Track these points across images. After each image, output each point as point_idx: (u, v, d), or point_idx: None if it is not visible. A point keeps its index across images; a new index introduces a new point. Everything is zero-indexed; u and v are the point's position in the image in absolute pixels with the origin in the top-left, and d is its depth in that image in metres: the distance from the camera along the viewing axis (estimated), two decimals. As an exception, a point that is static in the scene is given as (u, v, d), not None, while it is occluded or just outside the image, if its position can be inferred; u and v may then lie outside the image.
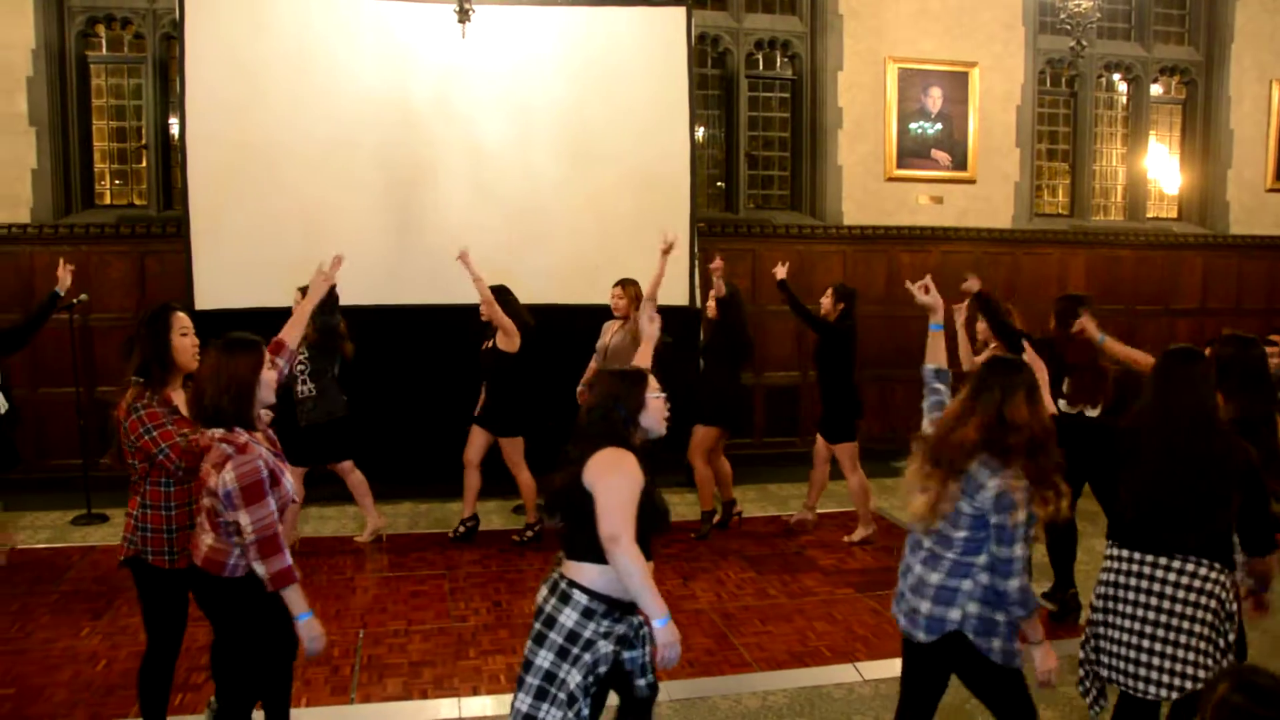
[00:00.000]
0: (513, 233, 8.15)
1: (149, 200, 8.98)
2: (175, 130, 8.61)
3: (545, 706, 3.01)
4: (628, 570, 2.96)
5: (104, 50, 8.94)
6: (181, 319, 3.86)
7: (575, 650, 3.02)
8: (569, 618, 3.03)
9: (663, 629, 3.03)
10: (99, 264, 8.57)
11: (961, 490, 3.20)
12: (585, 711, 3.03)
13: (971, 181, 10.19)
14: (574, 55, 8.35)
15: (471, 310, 7.03)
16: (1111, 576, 3.51)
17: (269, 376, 3.40)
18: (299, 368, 6.54)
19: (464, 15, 7.32)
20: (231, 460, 3.20)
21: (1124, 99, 11.07)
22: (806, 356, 9.61)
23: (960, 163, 10.16)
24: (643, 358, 3.93)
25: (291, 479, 3.43)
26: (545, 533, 6.89)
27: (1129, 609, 3.45)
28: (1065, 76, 10.73)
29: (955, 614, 3.20)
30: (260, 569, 3.22)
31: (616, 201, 8.37)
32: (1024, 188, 10.40)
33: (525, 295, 7.32)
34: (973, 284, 6.21)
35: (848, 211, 9.91)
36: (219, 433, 3.28)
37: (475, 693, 4.69)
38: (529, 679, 3.04)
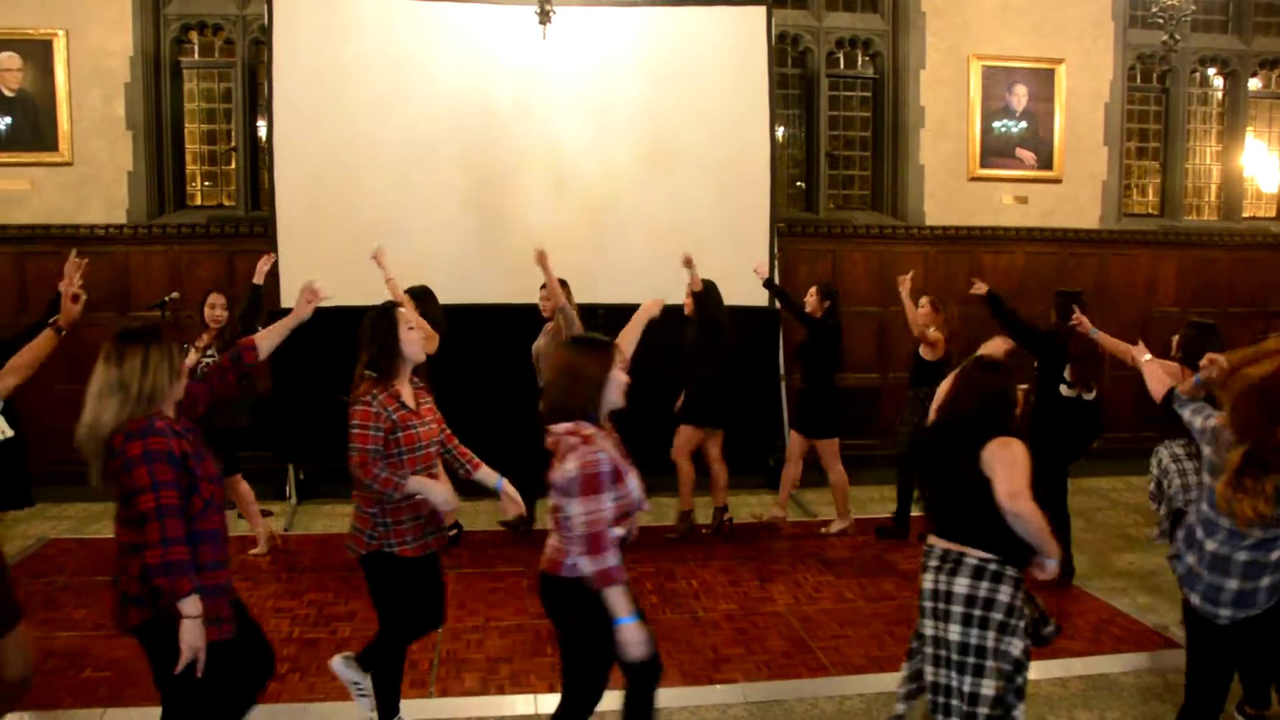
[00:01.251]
0: (592, 232, 8.18)
1: (238, 201, 9.23)
2: (263, 133, 8.83)
3: (987, 681, 3.30)
4: (1033, 520, 3.25)
5: (196, 56, 9.20)
6: (406, 315, 3.99)
7: (1013, 621, 3.33)
8: (1005, 594, 3.33)
9: (1055, 565, 3.39)
10: (190, 263, 8.83)
11: None
12: (1027, 675, 3.38)
13: (1057, 181, 9.97)
14: (654, 55, 8.36)
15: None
16: None
17: (620, 378, 3.36)
18: (204, 365, 6.30)
19: (545, 17, 7.38)
20: (576, 450, 3.20)
21: (1219, 94, 10.72)
22: (887, 358, 9.52)
23: (1045, 162, 9.95)
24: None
25: (637, 481, 3.34)
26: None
27: None
28: (1157, 72, 10.43)
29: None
30: (585, 565, 3.20)
31: (696, 201, 8.36)
32: (1112, 187, 10.14)
33: (604, 295, 7.33)
34: (980, 287, 6.77)
35: (930, 212, 9.78)
36: (566, 426, 3.28)
37: (552, 690, 4.70)
38: (987, 662, 3.31)
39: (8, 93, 8.61)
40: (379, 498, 3.81)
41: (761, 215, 8.46)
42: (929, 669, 3.46)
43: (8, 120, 8.63)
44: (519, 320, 7.52)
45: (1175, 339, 5.34)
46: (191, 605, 2.99)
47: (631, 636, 3.23)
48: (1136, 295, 10.09)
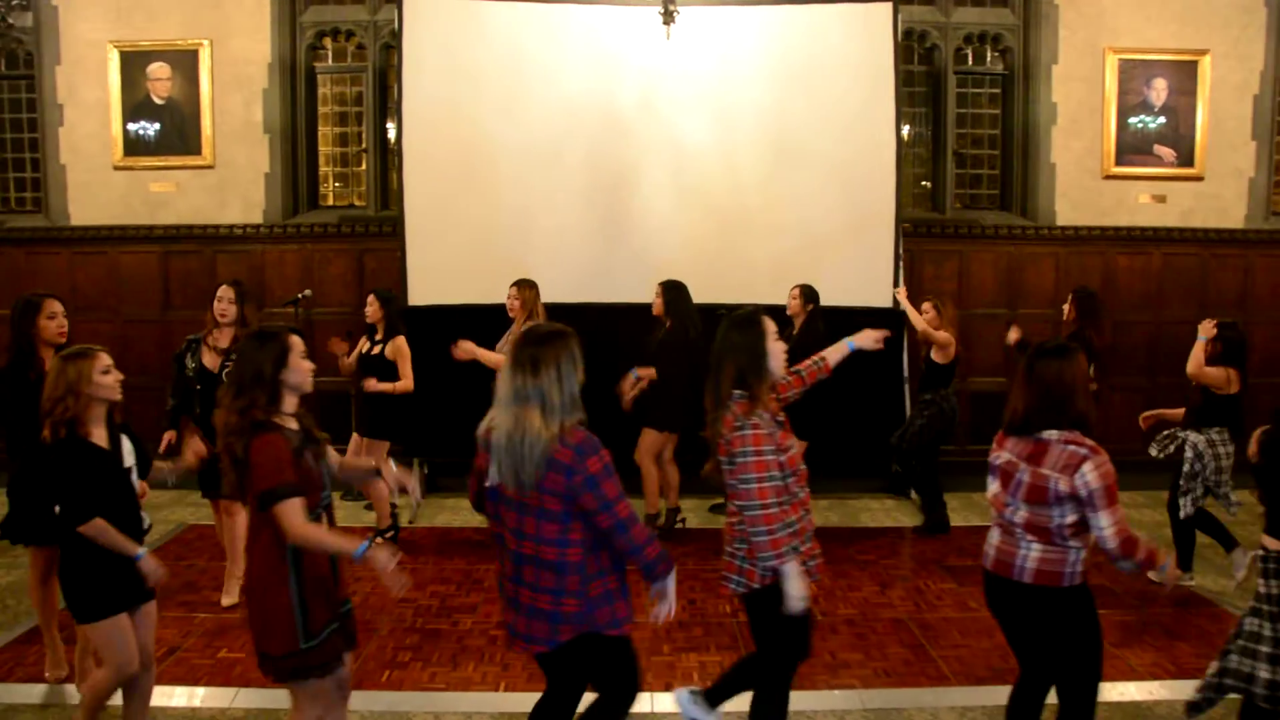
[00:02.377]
0: (715, 232, 8.15)
1: (368, 201, 9.52)
2: (392, 135, 9.09)
3: None
4: None
5: (329, 61, 9.54)
6: (770, 323, 3.61)
7: None
8: None
9: None
10: (321, 261, 9.16)
11: None
12: None
13: (1199, 178, 9.52)
14: (777, 54, 8.28)
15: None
16: None
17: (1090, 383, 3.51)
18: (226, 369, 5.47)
19: (668, 17, 7.41)
20: (1089, 460, 3.29)
21: (1383, 84, 10.08)
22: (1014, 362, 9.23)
23: (1186, 158, 9.52)
24: None
25: None
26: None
27: None
28: (1313, 62, 9.87)
29: None
30: (1127, 566, 3.35)
31: (820, 201, 8.25)
32: (1259, 184, 9.63)
33: (729, 294, 7.27)
34: (1014, 334, 7.12)
35: (1061, 211, 9.46)
36: (1061, 434, 3.39)
37: (668, 689, 4.70)
38: None
39: (158, 100, 9.07)
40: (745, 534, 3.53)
41: (886, 215, 8.28)
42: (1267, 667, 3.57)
43: (157, 126, 9.09)
44: (642, 319, 7.55)
45: (1215, 345, 5.82)
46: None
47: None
48: (1286, 299, 9.59)
